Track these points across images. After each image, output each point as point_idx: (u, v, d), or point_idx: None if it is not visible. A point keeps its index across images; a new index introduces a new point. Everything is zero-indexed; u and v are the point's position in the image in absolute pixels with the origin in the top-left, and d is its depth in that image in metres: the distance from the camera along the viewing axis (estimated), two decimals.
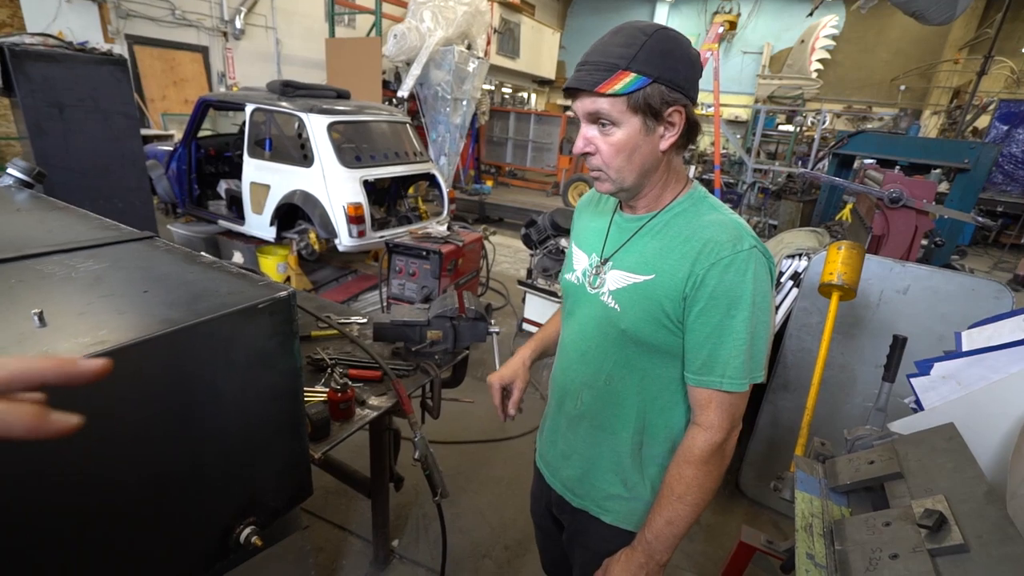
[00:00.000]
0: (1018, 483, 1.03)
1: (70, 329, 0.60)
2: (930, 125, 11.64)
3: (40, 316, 0.61)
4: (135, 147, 3.29)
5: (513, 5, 10.52)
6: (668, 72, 0.78)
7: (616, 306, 0.90)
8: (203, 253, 0.88)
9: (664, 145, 0.83)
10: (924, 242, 2.45)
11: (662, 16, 14.33)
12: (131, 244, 0.91)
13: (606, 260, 0.95)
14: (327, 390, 1.24)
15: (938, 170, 4.63)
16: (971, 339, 1.23)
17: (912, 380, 1.20)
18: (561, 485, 1.09)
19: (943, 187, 5.57)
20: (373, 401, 1.34)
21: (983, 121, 9.71)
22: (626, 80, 0.77)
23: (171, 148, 4.70)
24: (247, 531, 0.78)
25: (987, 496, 0.87)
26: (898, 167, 2.41)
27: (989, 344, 1.13)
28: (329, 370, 1.34)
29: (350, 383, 1.26)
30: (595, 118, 0.82)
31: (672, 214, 0.90)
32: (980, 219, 1.93)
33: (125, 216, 3.22)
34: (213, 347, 0.67)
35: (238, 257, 3.96)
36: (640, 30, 0.79)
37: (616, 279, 0.92)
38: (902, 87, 11.82)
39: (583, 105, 0.82)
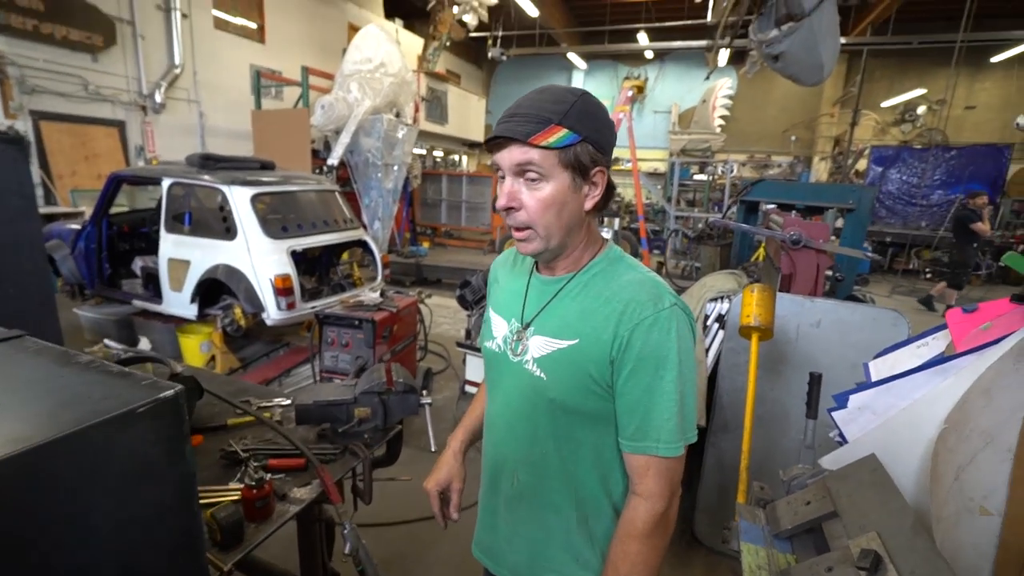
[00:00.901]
0: (940, 506, 1.07)
1: None
2: (820, 169, 13.07)
3: None
4: (32, 229, 3.02)
5: (439, 75, 11.03)
6: (595, 133, 0.79)
7: (542, 374, 0.87)
8: (83, 352, 0.78)
9: (588, 205, 0.83)
10: (829, 273, 2.67)
11: (578, 82, 15.50)
12: (1, 344, 0.80)
13: (527, 325, 0.91)
14: (241, 487, 1.12)
15: (833, 210, 5.16)
16: (877, 369, 1.31)
17: (833, 413, 1.25)
18: (509, 573, 1.01)
19: (840, 223, 6.20)
20: (297, 493, 1.22)
21: (862, 164, 11.04)
22: (559, 134, 0.77)
23: (77, 226, 4.38)
24: None
25: (914, 528, 0.90)
26: (794, 211, 2.64)
27: (893, 372, 1.21)
28: (244, 464, 1.22)
29: (268, 476, 1.15)
30: (522, 171, 0.80)
31: (590, 274, 0.88)
32: (870, 254, 2.14)
33: (19, 302, 2.92)
34: (79, 465, 0.58)
35: (145, 343, 3.65)
36: (568, 91, 0.81)
37: (539, 345, 0.88)
38: (793, 137, 13.28)
39: (511, 155, 0.80)
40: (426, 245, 9.57)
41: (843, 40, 6.58)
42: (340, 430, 1.38)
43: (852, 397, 1.22)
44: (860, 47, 10.06)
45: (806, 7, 4.38)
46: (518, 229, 0.84)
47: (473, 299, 3.16)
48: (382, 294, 3.18)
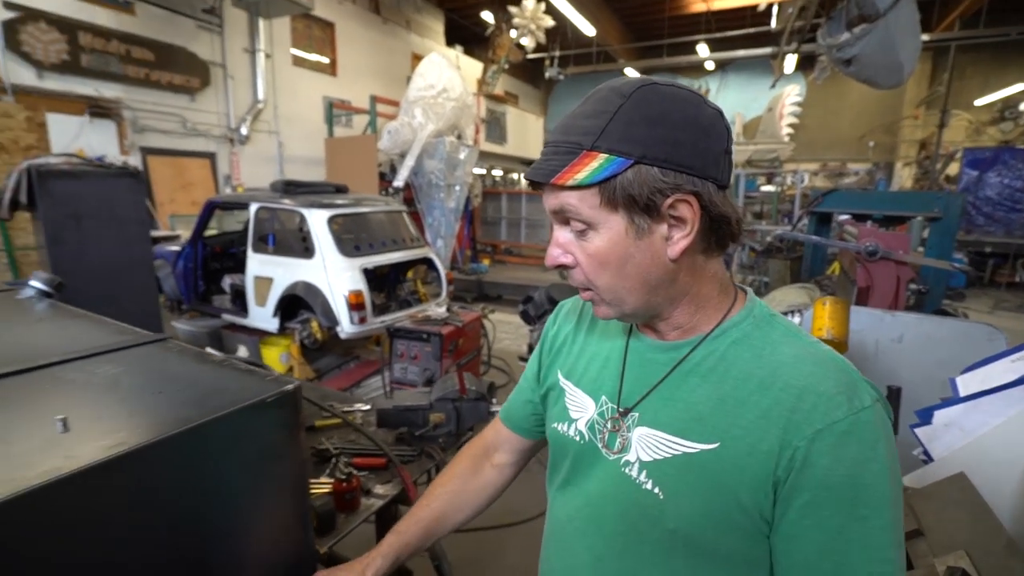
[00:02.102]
0: None
1: (91, 433, 0.63)
2: (904, 176, 12.18)
3: (64, 422, 0.64)
4: (145, 251, 3.45)
5: (498, 97, 11.37)
6: (660, 147, 0.53)
7: (656, 489, 0.59)
8: (211, 351, 0.92)
9: (674, 251, 0.57)
10: (913, 287, 2.51)
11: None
12: (145, 347, 0.96)
13: (627, 409, 0.65)
14: (332, 481, 1.24)
15: (919, 219, 4.81)
16: (966, 384, 1.24)
17: (915, 430, 1.20)
18: None
19: (927, 233, 5.76)
20: (379, 489, 1.33)
21: (954, 168, 10.18)
22: (593, 165, 0.54)
23: (178, 248, 4.89)
24: None
25: (1007, 548, 0.85)
26: (870, 221, 2.53)
27: (983, 388, 1.14)
28: (333, 460, 1.34)
29: (355, 472, 1.26)
30: (564, 219, 0.60)
31: (728, 341, 0.60)
32: (959, 266, 2.00)
33: (133, 316, 3.31)
34: (224, 443, 0.70)
35: (243, 351, 4.00)
36: (615, 90, 0.56)
37: (648, 442, 0.61)
38: (871, 143, 12.49)
39: (547, 202, 0.60)
40: (486, 262, 9.79)
41: (926, 37, 6.19)
42: (417, 433, 1.48)
43: (937, 413, 1.17)
44: (947, 43, 9.37)
45: (880, 7, 4.19)
46: (582, 289, 0.64)
47: (536, 314, 3.24)
48: (448, 309, 3.32)
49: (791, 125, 12.88)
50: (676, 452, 0.59)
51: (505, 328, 6.28)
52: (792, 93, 12.61)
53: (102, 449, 0.59)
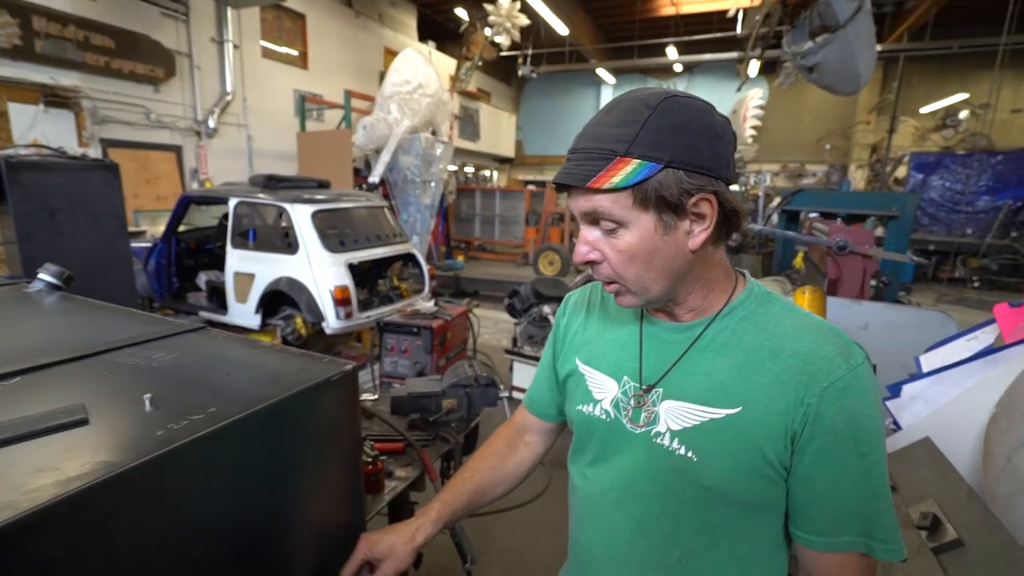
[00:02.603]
0: (993, 486, 1.17)
1: (181, 409, 0.68)
2: (857, 177, 12.86)
3: (151, 400, 0.69)
4: (123, 246, 3.35)
5: (471, 94, 11.39)
6: (684, 152, 0.61)
7: (690, 454, 0.67)
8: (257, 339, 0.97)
9: (694, 243, 0.65)
10: (873, 282, 2.73)
11: (607, 96, 15.70)
12: (189, 334, 0.99)
13: (650, 386, 0.72)
14: None
15: (872, 218, 5.16)
16: (929, 362, 1.40)
17: (886, 403, 1.35)
18: None
19: (879, 231, 6.17)
20: (399, 472, 1.39)
21: (902, 171, 10.84)
22: (627, 170, 0.60)
23: (148, 244, 4.75)
24: None
25: (969, 495, 1.00)
26: (839, 219, 2.72)
27: (944, 364, 1.30)
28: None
29: (379, 455, 1.32)
30: (594, 219, 0.66)
31: (736, 318, 0.70)
32: (915, 258, 2.21)
33: None
34: (296, 419, 0.75)
35: None
36: (641, 101, 0.63)
37: (676, 413, 0.69)
38: (827, 146, 13.14)
39: (576, 203, 0.66)
40: (461, 259, 9.81)
41: (879, 47, 6.58)
42: (431, 419, 1.54)
43: (905, 387, 1.32)
44: (897, 53, 9.98)
45: (841, 18, 4.45)
46: (607, 282, 0.71)
47: (521, 307, 3.32)
48: (436, 303, 3.37)
49: (754, 127, 13.40)
50: (704, 419, 0.67)
51: (485, 323, 6.35)
52: (755, 97, 13.11)
53: (198, 424, 0.64)
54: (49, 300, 1.31)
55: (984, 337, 1.34)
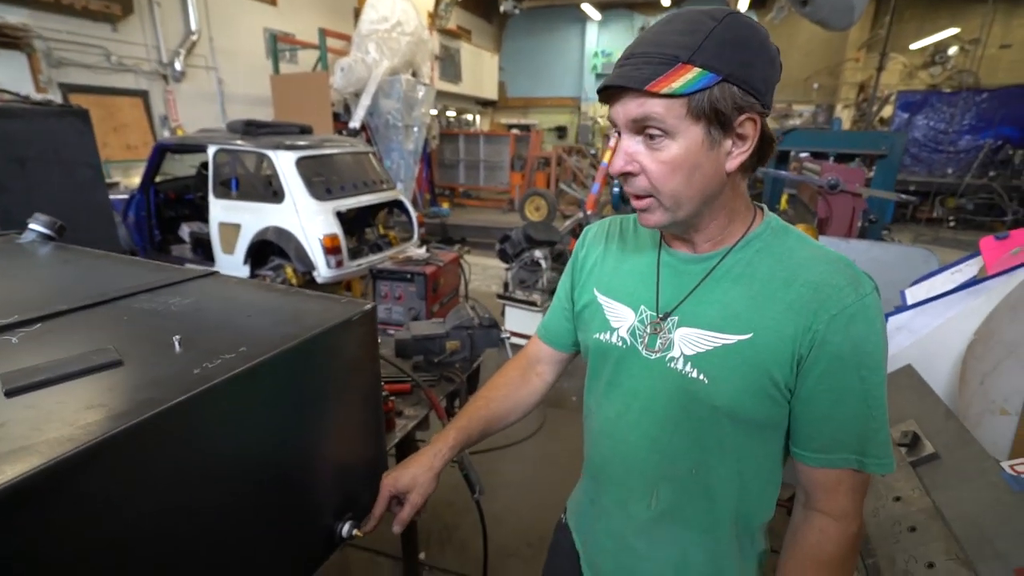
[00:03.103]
0: (965, 407, 1.26)
1: (211, 350, 0.69)
2: (844, 117, 12.75)
3: (180, 342, 0.70)
4: (101, 197, 3.23)
5: (451, 32, 10.84)
6: (742, 69, 0.61)
7: (701, 376, 0.71)
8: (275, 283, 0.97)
9: (732, 164, 0.66)
10: (859, 222, 2.78)
11: (592, 34, 15.06)
12: (201, 280, 0.99)
13: (666, 314, 0.75)
14: None
15: (857, 159, 5.19)
16: (913, 295, 1.46)
17: None
18: None
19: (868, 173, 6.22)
20: (408, 411, 1.44)
21: (888, 111, 10.78)
22: (688, 76, 0.60)
23: (124, 196, 4.58)
24: (346, 526, 0.88)
25: (946, 415, 1.08)
26: (831, 158, 2.74)
27: (929, 296, 1.36)
28: None
29: (389, 396, 1.36)
30: (641, 127, 0.65)
31: (753, 250, 0.72)
32: (904, 196, 2.26)
33: None
34: (321, 357, 0.78)
35: None
36: (706, 14, 0.63)
37: (691, 340, 0.72)
38: (815, 85, 12.91)
39: (626, 110, 0.65)
40: (446, 206, 9.69)
41: None
42: (436, 360, 1.58)
43: (891, 319, 1.39)
44: None
45: None
46: (637, 197, 0.70)
47: (513, 252, 3.33)
48: (427, 250, 3.36)
49: None
50: (716, 344, 0.70)
51: (475, 270, 6.37)
52: None
53: (232, 362, 0.66)
54: (44, 251, 1.28)
55: (967, 270, 1.40)
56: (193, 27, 7.60)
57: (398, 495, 0.87)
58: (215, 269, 1.04)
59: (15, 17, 5.88)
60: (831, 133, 4.41)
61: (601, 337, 0.82)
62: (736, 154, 0.66)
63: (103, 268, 1.09)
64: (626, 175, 0.69)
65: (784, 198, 4.74)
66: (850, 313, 0.64)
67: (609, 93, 0.66)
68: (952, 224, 9.26)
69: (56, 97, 6.32)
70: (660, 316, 0.76)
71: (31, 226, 1.35)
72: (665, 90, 0.61)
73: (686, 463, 0.76)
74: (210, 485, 0.64)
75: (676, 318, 0.74)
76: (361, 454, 0.91)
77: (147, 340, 0.73)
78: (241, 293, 0.92)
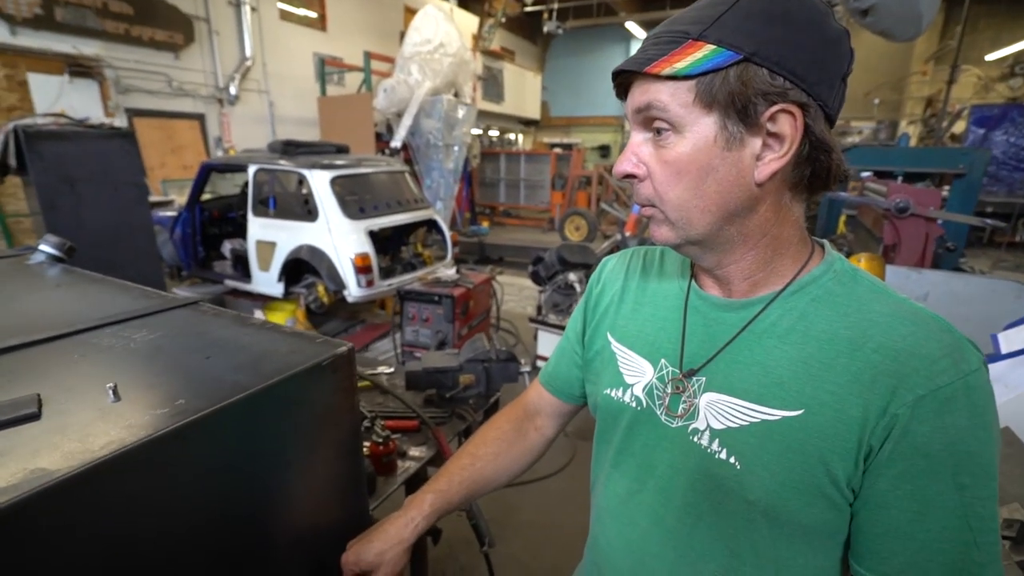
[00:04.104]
0: None
1: (145, 401, 0.59)
2: (910, 134, 12.00)
3: (114, 390, 0.60)
4: (144, 215, 3.35)
5: (495, 53, 10.98)
6: (777, 48, 0.47)
7: (732, 460, 0.55)
8: (257, 314, 0.88)
9: (763, 173, 0.50)
10: (943, 245, 2.49)
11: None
12: (178, 311, 0.91)
13: (692, 371, 0.60)
14: (368, 444, 1.22)
15: (927, 179, 4.77)
16: (1008, 341, 1.23)
17: None
18: None
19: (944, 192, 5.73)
20: (413, 452, 1.32)
21: (959, 127, 10.03)
22: (696, 55, 0.48)
23: (174, 213, 4.77)
24: None
25: None
26: (899, 178, 2.47)
27: None
28: (369, 423, 1.32)
29: (391, 435, 1.24)
30: (649, 120, 0.53)
31: (807, 299, 0.55)
32: (989, 221, 1.97)
33: (136, 283, 3.28)
34: (282, 408, 0.67)
35: (259, 314, 3.97)
36: None
37: (719, 409, 0.57)
38: (876, 100, 12.24)
39: (632, 98, 0.54)
40: (485, 224, 9.68)
41: None
42: (447, 395, 1.46)
43: None
44: None
45: None
46: (645, 206, 0.58)
47: (546, 275, 3.20)
48: (457, 271, 3.28)
49: None
50: (754, 420, 0.54)
51: (509, 290, 6.26)
52: None
53: (162, 417, 0.56)
54: (50, 272, 1.25)
55: None
56: (248, 53, 8.01)
57: (362, 573, 0.73)
58: (198, 298, 0.96)
59: (90, 49, 6.35)
60: (898, 150, 4.03)
61: (613, 394, 0.67)
62: (769, 159, 0.50)
63: (90, 295, 1.03)
64: (631, 177, 0.56)
65: (842, 220, 4.35)
66: (945, 396, 0.46)
67: (624, 86, 0.55)
68: None
69: (123, 121, 6.75)
70: (683, 373, 0.60)
71: (40, 247, 1.33)
72: (667, 71, 0.49)
73: (709, 567, 0.59)
74: (126, 566, 0.53)
75: (703, 379, 0.59)
76: (336, 514, 0.79)
77: (85, 386, 0.64)
78: (213, 328, 0.83)
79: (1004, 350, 1.20)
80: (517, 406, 0.89)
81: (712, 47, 0.48)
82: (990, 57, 10.67)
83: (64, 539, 0.47)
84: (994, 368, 1.16)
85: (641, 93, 0.52)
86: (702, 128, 0.50)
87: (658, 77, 0.50)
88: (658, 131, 0.52)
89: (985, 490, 0.47)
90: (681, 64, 0.48)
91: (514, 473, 0.85)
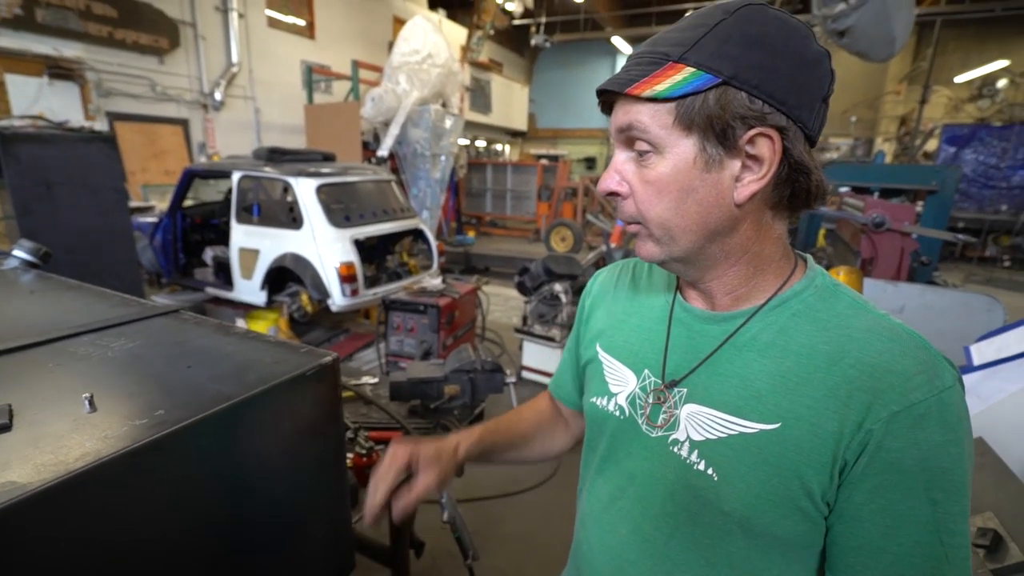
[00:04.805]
0: None
1: (124, 412, 0.58)
2: (885, 152, 12.36)
3: (90, 400, 0.59)
4: (123, 221, 3.28)
5: (483, 65, 11.07)
6: (754, 72, 0.48)
7: (710, 471, 0.56)
8: (238, 322, 0.87)
9: (742, 194, 0.52)
10: (917, 259, 2.56)
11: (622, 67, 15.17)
12: (158, 319, 0.90)
13: (673, 382, 0.61)
14: (351, 455, 1.21)
15: (902, 195, 4.92)
16: (980, 353, 1.26)
17: None
18: None
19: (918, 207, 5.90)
20: None
21: (932, 145, 10.37)
22: (676, 78, 0.49)
23: (154, 219, 4.69)
24: None
25: None
26: (875, 193, 2.54)
27: (1000, 356, 1.17)
28: (352, 434, 1.31)
29: (375, 446, 1.23)
30: (631, 140, 0.55)
31: (788, 313, 0.56)
32: (961, 236, 2.04)
33: (115, 290, 3.20)
34: (265, 419, 0.66)
35: (241, 323, 3.90)
36: (719, 6, 0.51)
37: (699, 421, 0.58)
38: (853, 118, 12.59)
39: (615, 118, 0.56)
40: (471, 234, 9.69)
41: (916, 10, 6.18)
42: (432, 406, 1.45)
43: None
44: (933, 17, 9.41)
45: None
46: (629, 223, 0.59)
47: (532, 285, 3.21)
48: (443, 280, 3.27)
49: None
50: (732, 432, 0.55)
51: (495, 301, 6.25)
52: None
53: (142, 429, 0.54)
54: (24, 279, 1.22)
55: None
56: (234, 59, 7.95)
57: (415, 465, 0.71)
58: (178, 306, 0.94)
59: (71, 51, 6.25)
60: (874, 167, 4.16)
61: (598, 402, 0.69)
62: (748, 181, 0.51)
63: (66, 302, 1.01)
64: (613, 195, 0.58)
65: (821, 233, 4.47)
66: (919, 412, 0.47)
67: (608, 103, 0.57)
68: (1007, 264, 8.70)
69: (103, 124, 6.63)
70: (665, 384, 0.61)
71: (14, 252, 1.30)
72: (646, 93, 0.50)
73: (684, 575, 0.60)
74: None
75: (684, 390, 0.60)
76: (317, 530, 0.78)
77: (60, 396, 0.63)
78: (194, 337, 0.82)
79: (976, 362, 1.24)
80: (545, 398, 0.91)
81: (692, 70, 0.49)
82: (959, 79, 11.08)
83: (35, 554, 0.46)
84: (967, 380, 1.19)
85: (623, 113, 0.54)
86: (682, 150, 0.51)
87: (639, 98, 0.51)
88: (640, 152, 0.54)
89: (957, 506, 0.48)
90: (660, 87, 0.50)
91: (546, 449, 0.87)
